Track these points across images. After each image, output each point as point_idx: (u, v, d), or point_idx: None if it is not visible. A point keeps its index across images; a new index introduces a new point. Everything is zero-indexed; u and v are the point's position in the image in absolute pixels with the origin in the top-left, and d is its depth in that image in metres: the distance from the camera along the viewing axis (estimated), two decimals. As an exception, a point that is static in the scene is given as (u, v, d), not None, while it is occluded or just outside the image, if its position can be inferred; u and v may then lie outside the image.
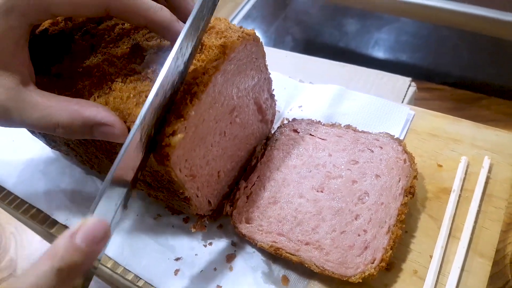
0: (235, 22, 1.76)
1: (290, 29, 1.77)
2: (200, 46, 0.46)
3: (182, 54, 0.40)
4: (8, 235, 1.03)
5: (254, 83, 0.55)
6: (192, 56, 0.42)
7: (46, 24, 0.52)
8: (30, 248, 1.02)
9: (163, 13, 0.42)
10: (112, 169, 0.35)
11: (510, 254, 0.82)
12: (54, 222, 0.58)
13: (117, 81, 0.45)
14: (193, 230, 0.52)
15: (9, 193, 0.63)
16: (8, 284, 0.30)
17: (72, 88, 0.47)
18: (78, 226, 0.33)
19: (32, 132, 0.62)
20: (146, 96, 0.43)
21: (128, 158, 0.37)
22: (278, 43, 1.71)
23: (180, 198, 0.48)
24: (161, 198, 0.54)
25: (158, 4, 0.42)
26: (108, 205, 0.36)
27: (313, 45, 1.68)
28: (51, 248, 0.32)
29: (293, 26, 1.78)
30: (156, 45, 0.48)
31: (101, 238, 0.33)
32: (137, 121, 0.36)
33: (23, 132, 0.66)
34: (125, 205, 0.39)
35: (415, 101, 0.84)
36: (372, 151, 0.54)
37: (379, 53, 1.53)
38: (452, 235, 0.49)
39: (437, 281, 0.46)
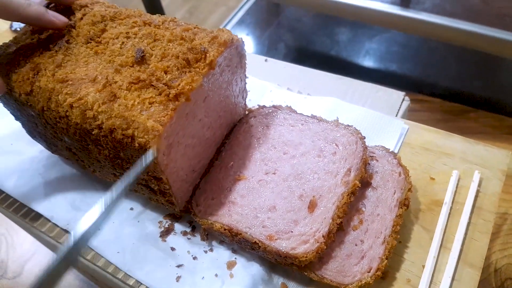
0: (229, 27, 1.77)
1: (283, 36, 1.80)
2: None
3: None
4: (-1, 236, 1.03)
5: None
6: None
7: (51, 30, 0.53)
8: (21, 249, 1.01)
9: (32, 8, 0.49)
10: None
11: (494, 263, 0.85)
12: (54, 226, 0.59)
13: (121, 89, 0.47)
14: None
15: (8, 196, 0.63)
16: None
17: (76, 95, 0.48)
18: None
19: (33, 136, 0.63)
20: (150, 103, 0.45)
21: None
22: (271, 50, 1.73)
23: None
24: (162, 202, 0.55)
25: (26, 1, 0.49)
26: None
27: (305, 52, 1.71)
28: None
29: (286, 33, 1.80)
30: (160, 54, 0.49)
31: None
32: None
33: (22, 136, 0.67)
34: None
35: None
36: (368, 164, 0.56)
37: (370, 63, 1.57)
38: (444, 246, 0.52)
39: (429, 290, 0.49)
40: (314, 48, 1.70)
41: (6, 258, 0.99)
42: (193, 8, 1.92)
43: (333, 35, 1.70)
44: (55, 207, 0.60)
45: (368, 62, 1.57)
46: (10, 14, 0.48)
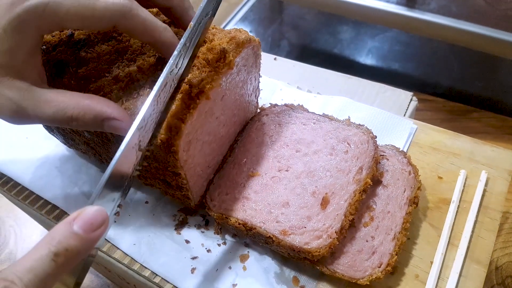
0: (232, 23, 1.78)
1: (286, 33, 1.81)
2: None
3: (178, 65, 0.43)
4: (8, 228, 1.04)
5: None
6: (188, 66, 0.44)
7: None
8: (29, 240, 1.03)
9: (167, 34, 0.45)
10: (112, 164, 0.39)
11: (496, 261, 0.87)
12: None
13: (144, 87, 0.48)
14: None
15: (24, 188, 0.64)
16: (5, 269, 0.32)
17: (99, 91, 0.49)
18: (77, 213, 0.34)
19: (50, 131, 0.64)
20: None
21: (127, 155, 0.40)
22: (274, 47, 1.74)
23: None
24: (178, 196, 0.56)
25: (163, 25, 0.45)
26: (108, 197, 0.38)
27: (308, 50, 1.72)
28: (49, 234, 0.33)
29: (289, 31, 1.81)
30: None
31: (99, 226, 0.34)
32: (136, 122, 0.39)
33: (37, 130, 0.68)
34: (123, 197, 0.41)
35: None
36: (379, 162, 0.57)
37: (373, 61, 1.58)
38: (451, 243, 0.53)
39: (436, 285, 0.50)
40: (317, 46, 1.71)
41: (15, 249, 1.01)
42: (194, 3, 1.92)
43: (336, 33, 1.71)
44: (72, 200, 0.61)
45: (371, 61, 1.58)
46: (144, 35, 0.44)
